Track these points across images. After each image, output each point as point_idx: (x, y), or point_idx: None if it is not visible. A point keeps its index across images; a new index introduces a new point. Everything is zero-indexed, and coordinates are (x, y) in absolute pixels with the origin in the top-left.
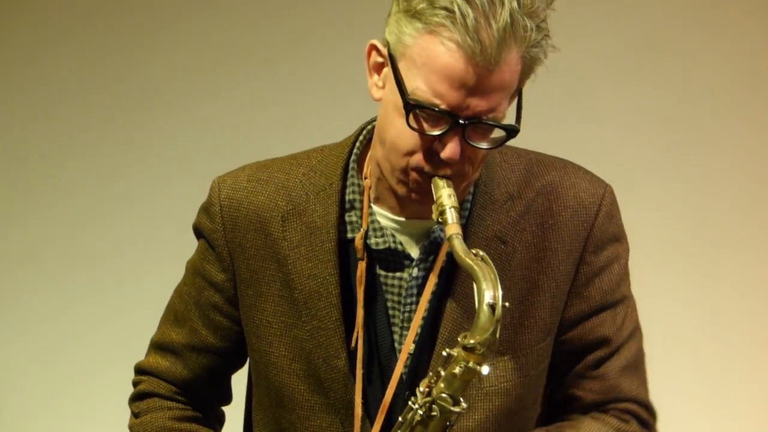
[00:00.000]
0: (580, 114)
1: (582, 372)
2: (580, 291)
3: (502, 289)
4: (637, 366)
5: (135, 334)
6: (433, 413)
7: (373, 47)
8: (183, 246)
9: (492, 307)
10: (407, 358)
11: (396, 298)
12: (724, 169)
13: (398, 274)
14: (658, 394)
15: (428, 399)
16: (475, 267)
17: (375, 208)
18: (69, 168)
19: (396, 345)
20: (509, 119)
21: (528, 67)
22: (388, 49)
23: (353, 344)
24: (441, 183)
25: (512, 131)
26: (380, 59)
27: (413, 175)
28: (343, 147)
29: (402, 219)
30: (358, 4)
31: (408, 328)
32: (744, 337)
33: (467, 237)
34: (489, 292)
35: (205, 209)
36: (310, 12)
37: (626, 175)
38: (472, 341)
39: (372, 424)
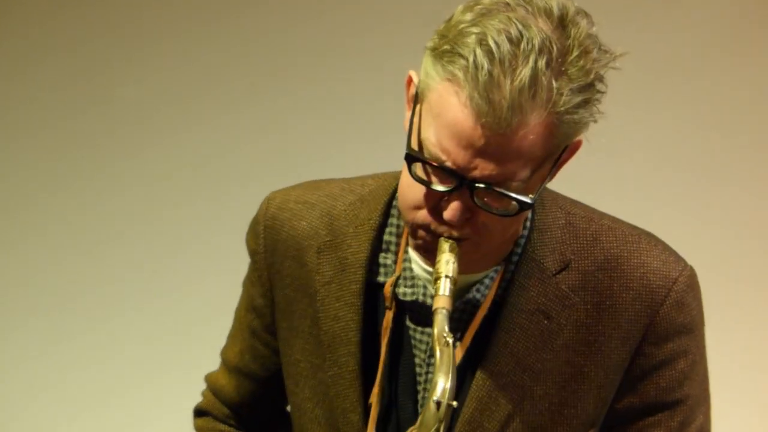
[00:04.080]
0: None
1: None
2: (634, 384)
3: (539, 371)
4: None
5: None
6: None
7: (410, 80)
8: (190, 260)
9: (438, 404)
10: None
11: (423, 355)
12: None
13: (429, 330)
14: None
15: None
16: (437, 352)
17: (411, 254)
18: (70, 177)
19: (419, 407)
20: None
21: (566, 133)
22: (419, 85)
23: (370, 400)
24: (445, 246)
25: (524, 205)
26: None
27: (420, 232)
28: (393, 179)
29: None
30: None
31: None
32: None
33: (505, 307)
34: (440, 386)
35: (253, 226)
36: (320, 28)
37: (644, 205)
38: None
39: None
